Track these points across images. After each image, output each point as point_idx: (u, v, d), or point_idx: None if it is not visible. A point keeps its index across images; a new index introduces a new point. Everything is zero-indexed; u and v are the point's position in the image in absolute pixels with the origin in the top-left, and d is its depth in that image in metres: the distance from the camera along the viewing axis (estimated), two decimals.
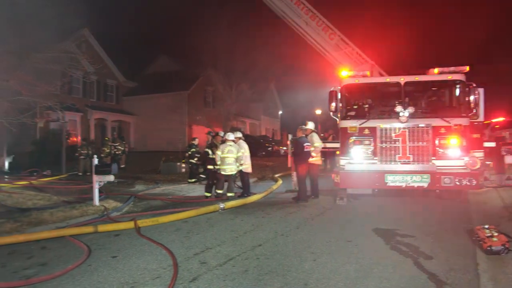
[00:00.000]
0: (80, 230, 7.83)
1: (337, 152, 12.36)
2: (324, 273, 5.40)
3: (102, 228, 7.98)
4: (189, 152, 17.26)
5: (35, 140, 26.45)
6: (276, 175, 18.49)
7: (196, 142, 17.73)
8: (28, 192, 12.98)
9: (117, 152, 21.96)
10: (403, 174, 10.30)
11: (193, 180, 16.72)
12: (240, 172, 12.88)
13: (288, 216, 9.55)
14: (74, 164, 21.32)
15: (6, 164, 22.85)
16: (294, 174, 13.19)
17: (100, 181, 10.73)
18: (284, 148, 34.19)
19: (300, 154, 11.69)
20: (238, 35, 29.79)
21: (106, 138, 24.31)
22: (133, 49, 43.38)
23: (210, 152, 13.16)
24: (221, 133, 13.91)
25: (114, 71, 36.39)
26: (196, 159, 16.86)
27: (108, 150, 21.59)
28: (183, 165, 20.51)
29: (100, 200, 10.90)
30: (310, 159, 11.92)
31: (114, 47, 34.99)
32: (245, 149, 12.92)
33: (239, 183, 13.70)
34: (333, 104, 11.36)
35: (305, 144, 11.60)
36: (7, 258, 6.28)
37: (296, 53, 28.75)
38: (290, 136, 14.60)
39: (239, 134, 13.26)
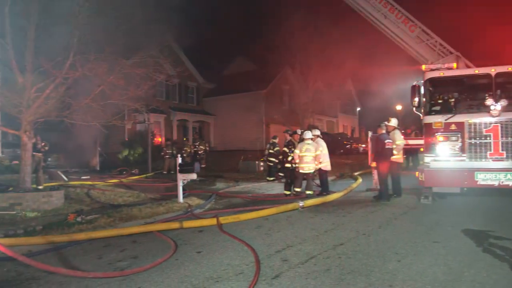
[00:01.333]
0: (167, 226, 8.23)
1: (421, 149, 11.84)
2: (410, 274, 5.20)
3: (187, 224, 8.33)
4: (273, 151, 17.41)
5: (123, 141, 28.18)
6: (356, 173, 18.13)
7: (276, 140, 17.90)
8: (118, 190, 13.90)
9: (199, 152, 22.73)
10: (495, 172, 9.59)
11: (272, 178, 16.89)
12: (319, 170, 12.78)
13: (369, 215, 9.32)
14: (160, 163, 22.43)
15: (98, 164, 24.65)
16: (374, 172, 12.84)
17: (184, 179, 11.21)
18: (363, 145, 33.41)
19: (381, 151, 11.36)
20: (314, 32, 29.57)
21: (185, 139, 25.26)
22: (212, 51, 44.66)
23: (287, 150, 13.21)
24: (299, 131, 13.88)
25: (194, 74, 37.71)
26: (280, 157, 17.04)
27: (189, 150, 22.43)
28: (262, 164, 20.79)
29: (184, 197, 11.39)
30: (391, 157, 11.53)
31: (194, 50, 36.22)
32: (323, 147, 12.80)
33: (317, 181, 13.60)
34: (416, 99, 10.85)
35: (386, 141, 11.25)
36: (103, 251, 6.77)
37: (375, 47, 27.98)
38: (370, 133, 14.24)
39: (317, 132, 13.16)
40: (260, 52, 30.88)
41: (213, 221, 8.44)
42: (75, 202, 11.31)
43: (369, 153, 13.95)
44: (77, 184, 14.72)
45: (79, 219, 8.70)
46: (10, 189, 11.37)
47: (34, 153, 12.02)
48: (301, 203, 10.29)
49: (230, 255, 6.23)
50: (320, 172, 12.91)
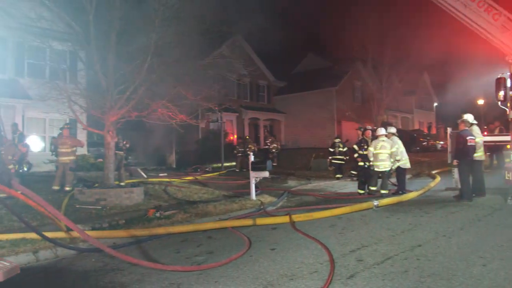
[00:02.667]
0: (241, 223, 8.39)
1: (507, 146, 11.05)
2: (497, 281, 4.86)
3: (260, 221, 8.43)
4: (342, 149, 17.31)
5: (197, 139, 29.07)
6: (433, 172, 17.31)
7: (338, 140, 17.84)
8: (194, 187, 14.38)
9: (272, 150, 22.85)
10: None
11: (339, 176, 16.79)
12: (397, 168, 12.35)
13: (449, 216, 8.85)
14: (232, 161, 22.87)
15: (175, 161, 25.65)
16: (455, 170, 12.16)
17: (256, 177, 11.35)
18: (441, 142, 31.88)
19: (463, 148, 10.73)
20: (387, 25, 28.57)
21: (247, 137, 25.43)
22: (282, 49, 44.61)
23: (357, 148, 12.88)
24: (369, 127, 13.45)
25: (265, 72, 37.98)
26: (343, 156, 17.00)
27: (253, 148, 22.44)
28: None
29: (256, 195, 11.53)
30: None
31: (264, 49, 36.46)
32: (399, 144, 12.36)
33: (392, 180, 13.16)
34: (502, 93, 10.12)
35: (468, 138, 10.61)
36: (181, 245, 7.04)
37: (453, 38, 26.41)
38: (449, 130, 13.53)
39: (393, 130, 12.71)
40: (331, 48, 30.41)
41: (285, 219, 8.47)
42: (153, 198, 11.85)
43: (449, 150, 13.25)
44: (155, 181, 15.41)
45: (157, 214, 9.12)
46: (96, 185, 12.17)
47: (116, 151, 12.75)
48: (375, 202, 10.01)
49: (304, 253, 6.21)
50: (398, 170, 12.46)
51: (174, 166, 25.12)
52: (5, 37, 17.84)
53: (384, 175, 12.00)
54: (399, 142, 12.42)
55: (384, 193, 11.77)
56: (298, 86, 37.83)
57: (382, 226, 7.98)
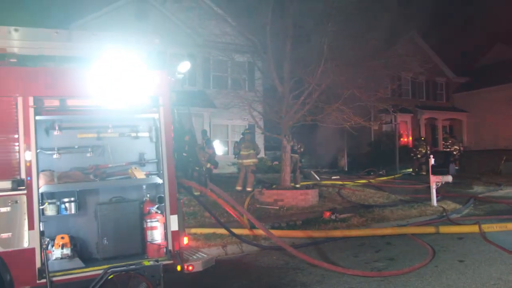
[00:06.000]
0: (422, 230, 7.92)
1: None
2: None
3: (443, 229, 7.84)
4: None
5: (370, 142, 28.42)
6: None
7: None
8: (368, 190, 14.08)
9: (454, 152, 21.04)
10: None
11: None
12: None
13: None
14: (407, 164, 21.71)
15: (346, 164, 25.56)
16: None
17: (438, 182, 10.58)
18: None
19: None
20: None
21: (423, 138, 23.62)
22: (463, 41, 40.62)
23: None
24: None
25: (442, 68, 35.19)
26: None
27: (424, 151, 20.68)
28: None
29: (437, 200, 10.74)
30: None
31: (442, 43, 33.85)
32: None
33: None
34: None
35: None
36: (358, 249, 6.95)
37: None
38: None
39: None
40: None
41: (474, 228, 7.69)
42: (328, 201, 11.95)
43: None
44: (328, 184, 15.53)
45: (333, 217, 9.17)
46: (273, 186, 12.82)
47: (292, 154, 13.23)
48: None
49: (500, 268, 5.53)
50: None
51: (346, 169, 24.98)
52: (194, 54, 20.21)
53: None
54: None
55: None
56: (483, 81, 34.04)
57: None
